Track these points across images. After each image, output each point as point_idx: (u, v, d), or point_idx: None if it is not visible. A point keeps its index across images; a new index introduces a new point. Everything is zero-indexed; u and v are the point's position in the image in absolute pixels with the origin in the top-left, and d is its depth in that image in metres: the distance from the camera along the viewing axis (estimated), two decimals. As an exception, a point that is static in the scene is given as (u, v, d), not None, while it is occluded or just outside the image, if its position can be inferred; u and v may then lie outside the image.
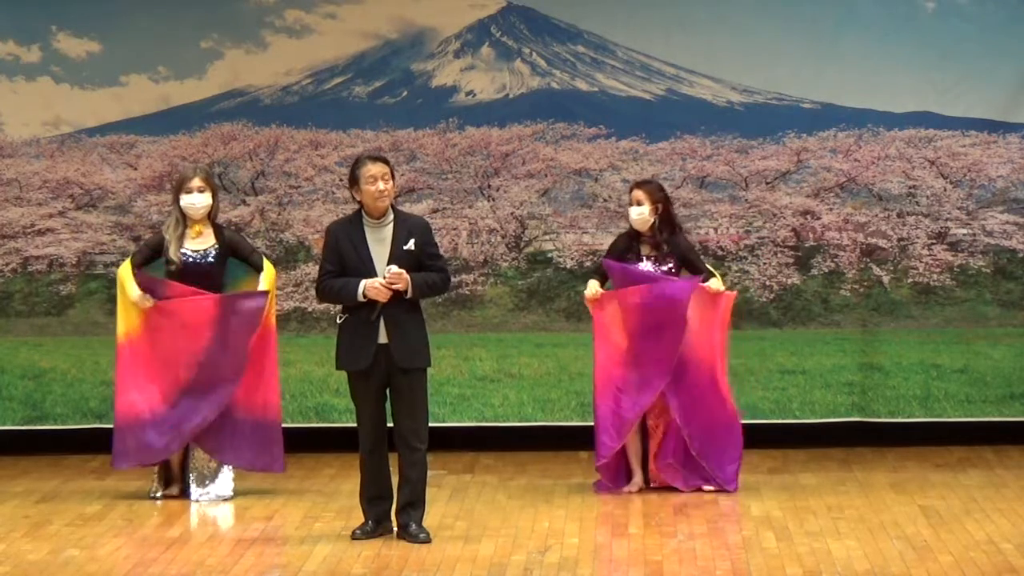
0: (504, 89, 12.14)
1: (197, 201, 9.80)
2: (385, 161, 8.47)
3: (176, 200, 9.85)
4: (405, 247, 8.40)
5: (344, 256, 8.41)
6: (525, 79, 12.14)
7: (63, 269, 11.71)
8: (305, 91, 12.06)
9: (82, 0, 11.77)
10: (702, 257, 10.39)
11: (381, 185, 8.36)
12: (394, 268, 8.34)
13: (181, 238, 9.80)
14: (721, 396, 9.97)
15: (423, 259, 8.45)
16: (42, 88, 11.81)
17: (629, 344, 9.97)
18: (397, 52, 12.13)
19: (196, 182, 9.81)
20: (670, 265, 9.97)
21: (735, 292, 10.25)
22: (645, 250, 10.01)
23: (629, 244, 10.05)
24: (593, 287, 10.08)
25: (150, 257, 9.92)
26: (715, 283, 9.96)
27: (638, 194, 9.98)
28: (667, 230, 9.98)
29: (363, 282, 8.34)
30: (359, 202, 8.46)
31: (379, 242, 8.41)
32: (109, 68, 11.79)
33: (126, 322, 9.87)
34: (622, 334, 9.99)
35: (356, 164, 8.50)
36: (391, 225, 8.43)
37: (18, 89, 11.80)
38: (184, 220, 9.83)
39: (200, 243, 9.84)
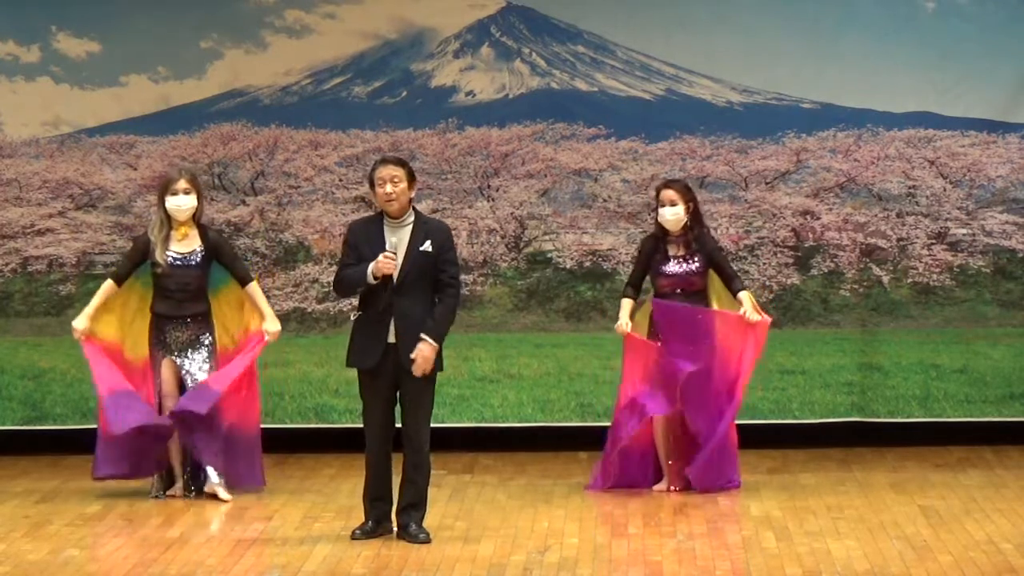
0: (504, 89, 12.14)
1: (183, 203, 9.78)
2: (398, 163, 8.46)
3: (161, 202, 9.84)
4: (421, 248, 8.39)
5: (362, 254, 8.42)
6: (525, 79, 12.14)
7: (63, 269, 11.71)
8: (305, 91, 12.06)
9: (82, 0, 11.77)
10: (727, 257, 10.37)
11: (388, 188, 8.35)
12: (390, 249, 8.31)
13: (166, 240, 9.78)
14: (729, 416, 9.93)
15: (439, 263, 8.43)
16: (42, 88, 11.81)
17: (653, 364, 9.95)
18: (397, 52, 12.14)
19: (182, 184, 9.79)
20: (696, 264, 9.92)
21: (771, 318, 10.11)
22: (672, 250, 9.97)
23: (656, 245, 10.01)
24: (623, 319, 9.94)
25: (138, 262, 9.92)
26: (748, 308, 9.80)
27: (670, 194, 9.93)
28: (697, 228, 9.97)
29: (371, 264, 8.33)
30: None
31: (396, 242, 8.38)
32: (109, 68, 11.79)
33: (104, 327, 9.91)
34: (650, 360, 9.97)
35: (372, 166, 8.55)
36: (410, 227, 8.43)
37: (18, 89, 11.80)
38: (169, 222, 9.82)
39: (185, 246, 9.82)
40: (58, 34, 11.80)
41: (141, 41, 11.77)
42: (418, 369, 8.37)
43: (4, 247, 11.70)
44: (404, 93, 12.15)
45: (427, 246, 8.40)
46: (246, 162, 11.81)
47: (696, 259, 9.94)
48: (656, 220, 10.05)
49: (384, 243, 8.37)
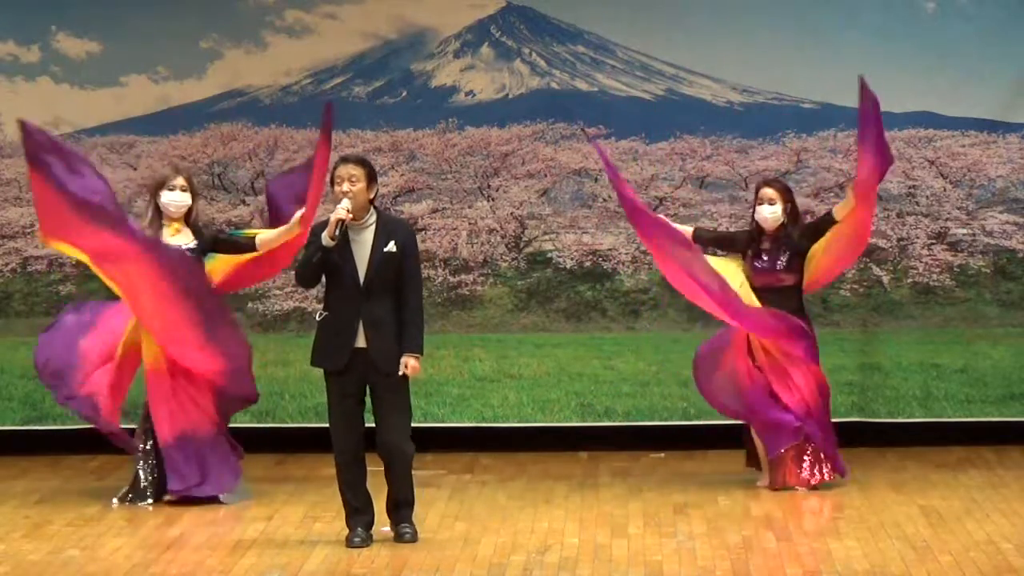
0: (504, 89, 12.14)
1: (177, 199, 9.63)
2: (358, 162, 8.35)
3: (154, 196, 9.70)
4: (385, 249, 8.31)
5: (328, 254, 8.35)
6: (525, 79, 12.15)
7: (63, 269, 11.71)
8: (305, 91, 12.06)
9: (82, 0, 11.77)
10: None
11: (345, 187, 8.25)
12: (342, 207, 8.23)
13: (158, 233, 9.62)
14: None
15: (403, 264, 8.36)
16: (42, 88, 11.81)
17: None
18: (397, 52, 12.14)
19: (179, 180, 9.69)
20: (783, 262, 9.88)
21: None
22: (765, 246, 9.95)
23: (750, 240, 9.98)
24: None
25: None
26: (849, 200, 9.79)
27: (770, 193, 9.91)
28: (791, 227, 9.92)
29: (323, 234, 8.25)
30: None
31: (361, 244, 8.33)
32: (109, 68, 11.79)
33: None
34: None
35: (334, 163, 8.47)
36: (372, 227, 8.34)
37: (18, 89, 11.80)
38: (160, 217, 9.70)
39: (177, 239, 9.64)
40: (58, 34, 11.81)
41: (141, 41, 11.77)
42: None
43: (4, 247, 11.71)
44: (404, 93, 12.15)
45: (391, 247, 8.31)
46: (246, 162, 11.81)
47: (784, 257, 9.89)
48: (753, 216, 10.03)
49: (347, 242, 8.29)
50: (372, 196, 8.36)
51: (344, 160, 8.39)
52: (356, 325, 8.30)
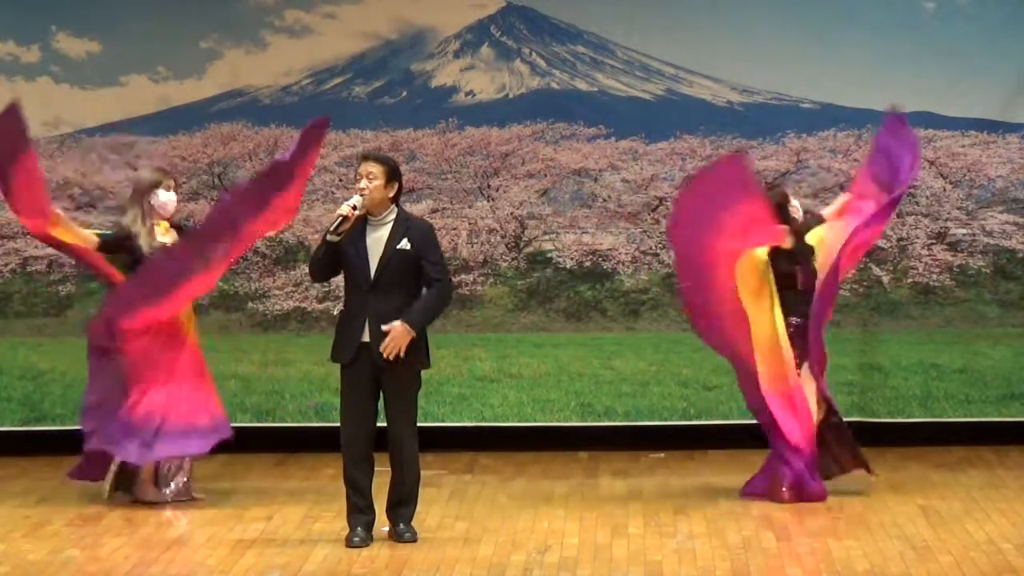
0: (504, 89, 12.14)
1: (175, 199, 9.62)
2: (376, 160, 8.41)
3: (144, 197, 9.58)
4: (398, 246, 8.36)
5: (344, 249, 8.40)
6: (525, 79, 12.15)
7: (62, 270, 11.70)
8: (305, 91, 12.06)
9: (82, 0, 11.77)
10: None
11: (363, 183, 8.34)
12: (350, 203, 8.31)
13: (151, 232, 9.57)
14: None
15: (420, 263, 8.39)
16: (42, 88, 11.81)
17: None
18: (397, 52, 12.14)
19: (171, 181, 9.66)
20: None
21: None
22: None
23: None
24: None
25: (114, 248, 9.63)
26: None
27: None
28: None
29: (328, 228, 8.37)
30: None
31: (376, 240, 8.38)
32: (109, 68, 11.79)
33: None
34: None
35: (357, 160, 8.59)
36: (389, 225, 8.41)
37: (18, 89, 11.77)
38: (151, 217, 9.58)
39: (167, 238, 9.57)
40: (58, 34, 11.80)
41: (141, 41, 11.77)
42: (385, 349, 8.25)
43: (4, 247, 11.70)
44: (404, 93, 12.15)
45: (404, 243, 8.35)
46: (246, 162, 11.81)
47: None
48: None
49: (364, 239, 8.35)
50: (392, 194, 8.40)
51: (365, 157, 8.48)
52: (364, 320, 8.35)
